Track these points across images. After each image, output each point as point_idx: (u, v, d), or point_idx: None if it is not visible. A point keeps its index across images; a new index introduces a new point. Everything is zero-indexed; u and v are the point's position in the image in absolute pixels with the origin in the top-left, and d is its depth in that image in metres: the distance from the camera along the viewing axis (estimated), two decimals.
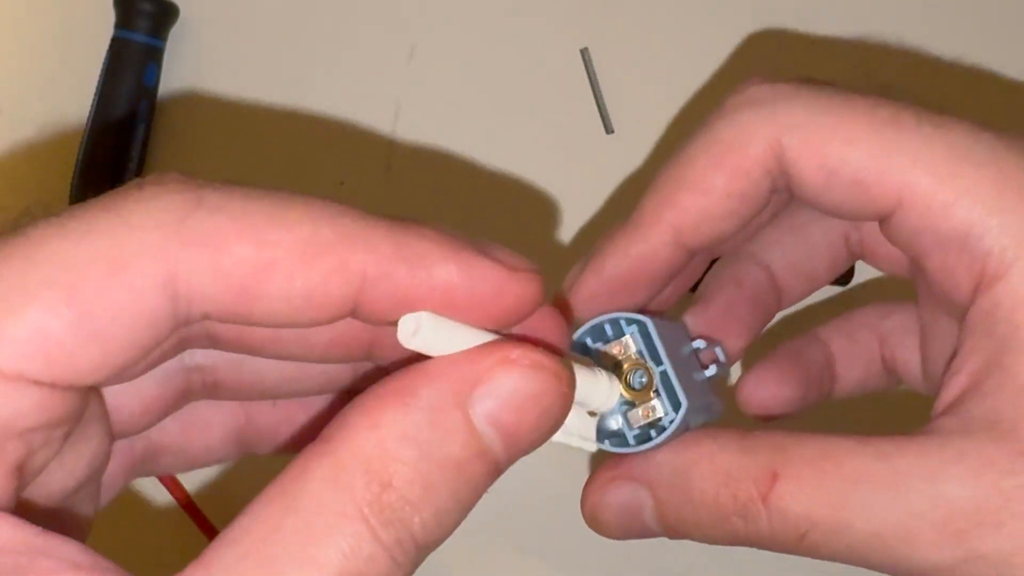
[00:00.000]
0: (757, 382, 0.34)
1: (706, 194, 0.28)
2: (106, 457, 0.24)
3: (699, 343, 0.31)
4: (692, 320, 0.33)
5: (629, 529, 0.29)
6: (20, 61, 0.59)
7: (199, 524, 0.54)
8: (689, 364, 0.30)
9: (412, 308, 0.21)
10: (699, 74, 0.57)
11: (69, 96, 0.57)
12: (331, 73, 0.58)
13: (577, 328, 0.30)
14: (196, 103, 0.58)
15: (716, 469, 0.27)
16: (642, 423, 0.29)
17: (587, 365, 0.28)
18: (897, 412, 0.41)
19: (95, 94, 0.56)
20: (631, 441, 0.29)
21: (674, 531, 0.28)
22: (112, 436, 0.24)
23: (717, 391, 0.32)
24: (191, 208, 0.20)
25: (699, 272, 0.33)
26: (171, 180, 0.21)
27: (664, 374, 0.29)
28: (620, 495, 0.29)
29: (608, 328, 0.29)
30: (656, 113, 0.57)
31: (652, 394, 0.29)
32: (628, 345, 0.29)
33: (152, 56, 0.56)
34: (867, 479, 0.25)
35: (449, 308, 0.22)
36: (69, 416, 0.21)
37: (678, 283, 0.31)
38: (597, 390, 0.28)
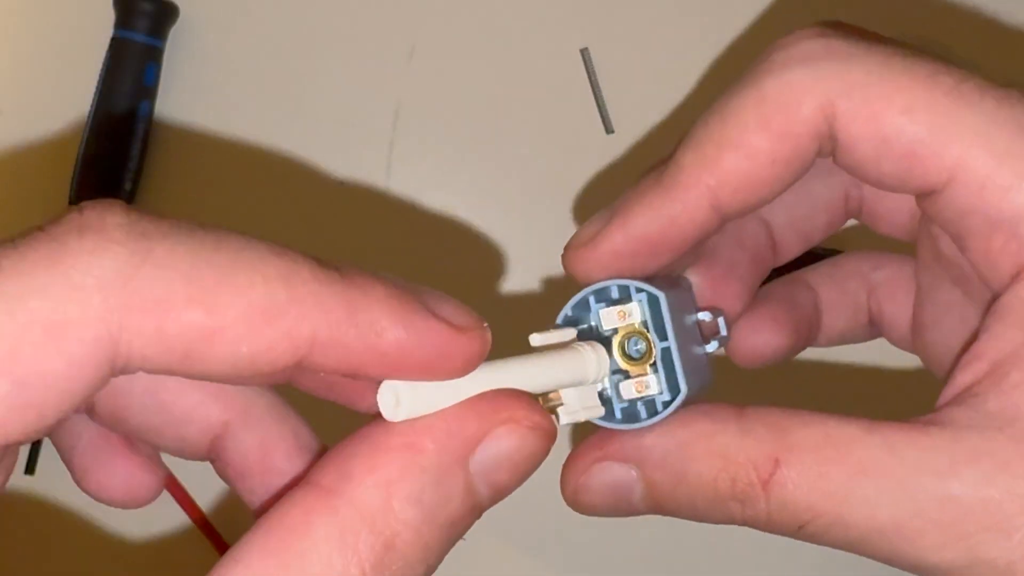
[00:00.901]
0: (751, 329, 0.32)
1: (750, 158, 0.26)
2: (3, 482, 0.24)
3: (704, 315, 0.30)
4: (694, 278, 0.31)
5: (615, 509, 0.27)
6: (20, 61, 0.59)
7: (214, 543, 0.54)
8: (691, 337, 0.29)
9: (357, 370, 0.21)
10: (699, 74, 0.57)
11: (69, 96, 0.57)
12: (331, 73, 0.58)
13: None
14: (195, 103, 0.58)
15: (713, 451, 0.26)
16: (633, 397, 0.27)
17: (571, 347, 0.27)
18: (894, 384, 0.41)
19: (95, 94, 0.56)
20: (618, 415, 0.27)
21: (664, 511, 0.27)
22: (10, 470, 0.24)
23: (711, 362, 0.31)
24: (137, 265, 0.19)
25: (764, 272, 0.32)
26: (114, 226, 0.19)
27: (667, 352, 0.27)
28: (607, 476, 0.27)
29: (615, 290, 0.27)
30: (656, 113, 0.57)
31: (648, 368, 0.27)
32: (633, 312, 0.27)
33: (152, 56, 0.56)
34: (873, 471, 0.24)
35: (394, 371, 0.21)
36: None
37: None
38: (587, 370, 0.26)
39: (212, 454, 0.26)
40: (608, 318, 0.27)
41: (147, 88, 0.56)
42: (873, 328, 0.34)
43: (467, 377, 0.22)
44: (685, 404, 0.27)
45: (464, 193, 0.58)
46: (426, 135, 0.58)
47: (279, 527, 0.20)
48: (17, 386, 0.18)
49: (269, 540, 0.20)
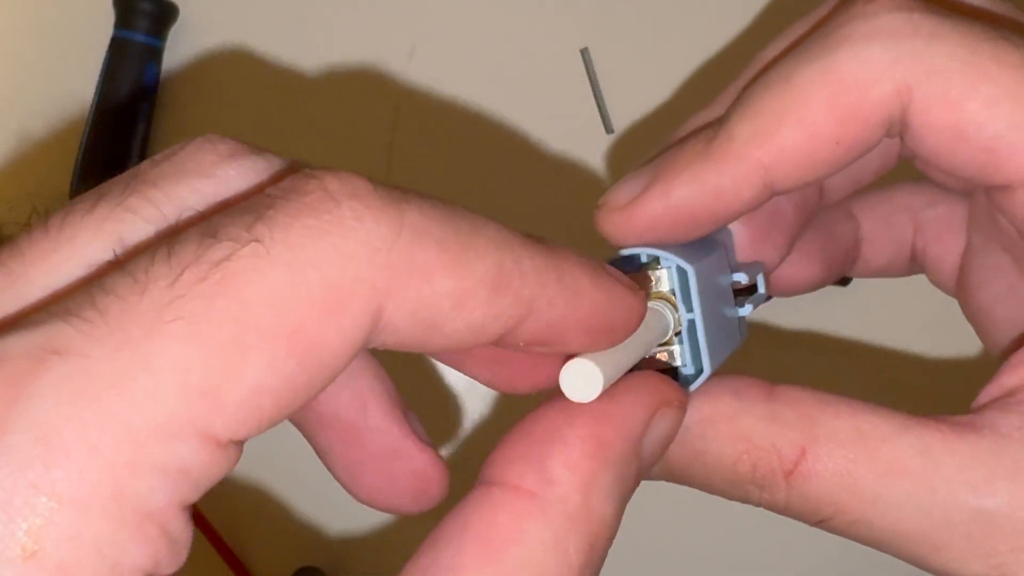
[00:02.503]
0: (788, 262, 0.30)
1: (812, 137, 0.24)
2: None
3: (740, 276, 0.28)
4: (734, 227, 0.29)
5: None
6: (20, 61, 0.59)
7: (209, 537, 0.54)
8: (723, 300, 0.27)
9: (558, 338, 0.21)
10: (700, 74, 0.57)
11: (69, 96, 0.57)
12: (331, 73, 0.58)
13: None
14: (195, 103, 0.58)
15: (737, 433, 0.24)
16: (656, 367, 0.26)
17: (661, 310, 0.25)
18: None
19: (95, 94, 0.56)
20: None
21: (677, 482, 0.26)
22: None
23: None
24: (397, 231, 0.18)
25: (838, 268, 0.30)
26: (367, 191, 0.18)
27: (691, 325, 0.25)
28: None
29: (643, 256, 0.26)
30: (656, 113, 0.57)
31: (674, 336, 0.26)
32: (661, 280, 0.26)
33: (152, 56, 0.56)
34: (903, 474, 0.23)
35: (589, 336, 0.21)
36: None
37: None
38: (669, 326, 0.25)
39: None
40: (635, 282, 0.26)
41: (147, 88, 0.56)
42: (914, 264, 0.32)
43: (620, 347, 0.22)
44: (719, 367, 0.26)
45: (464, 193, 0.58)
46: (426, 135, 0.58)
47: (492, 536, 0.19)
48: (302, 365, 0.17)
49: (483, 549, 0.19)
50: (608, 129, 0.57)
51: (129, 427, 0.15)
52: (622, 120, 0.57)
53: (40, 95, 0.58)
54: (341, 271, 0.17)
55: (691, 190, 0.25)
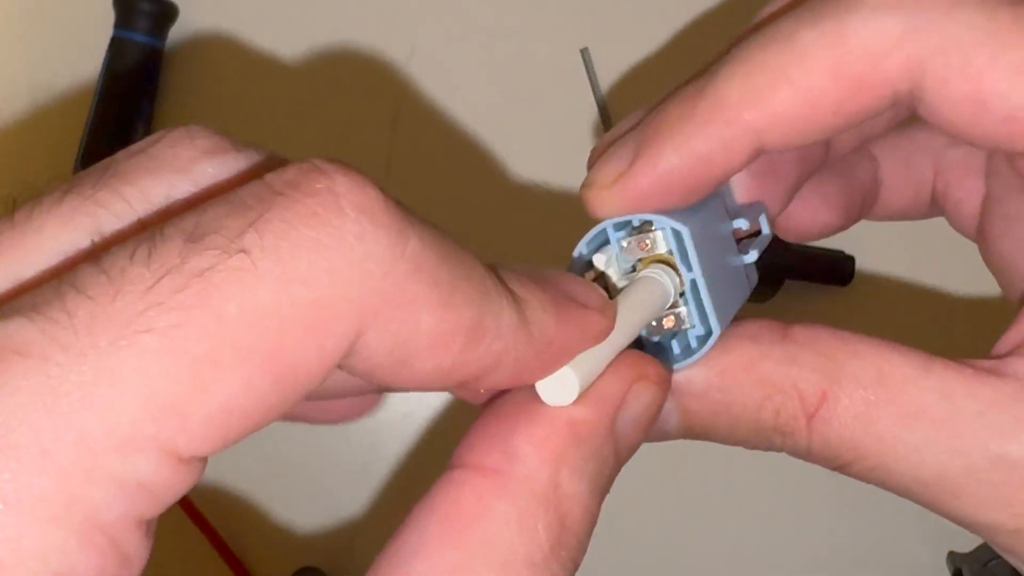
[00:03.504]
0: (803, 206, 0.29)
1: (810, 103, 0.23)
2: None
3: (740, 222, 0.26)
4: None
5: (647, 435, 0.26)
6: (20, 61, 0.59)
7: (204, 532, 0.54)
8: (726, 249, 0.26)
9: (523, 383, 0.20)
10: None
11: (69, 96, 0.57)
12: (331, 73, 0.58)
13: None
14: (195, 103, 0.58)
15: (758, 380, 0.23)
16: (664, 330, 0.24)
17: (644, 278, 0.24)
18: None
19: (95, 94, 0.56)
20: (649, 351, 0.25)
21: (699, 438, 0.25)
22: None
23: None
24: (396, 257, 0.17)
25: None
26: (379, 208, 0.17)
27: (694, 284, 0.24)
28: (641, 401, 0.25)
29: (635, 220, 0.25)
30: None
31: (679, 298, 0.24)
32: (657, 242, 0.24)
33: (152, 56, 0.56)
34: (925, 417, 0.22)
35: (555, 368, 0.20)
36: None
37: None
38: (668, 294, 0.24)
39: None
40: (631, 248, 0.25)
41: (147, 88, 0.56)
42: (934, 207, 0.31)
43: (599, 345, 0.22)
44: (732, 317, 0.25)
45: (464, 193, 0.58)
46: (426, 135, 0.58)
47: (455, 515, 0.18)
48: (276, 385, 0.16)
49: (446, 529, 0.18)
50: (608, 129, 0.57)
51: (86, 436, 0.15)
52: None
53: (40, 95, 0.58)
54: (331, 291, 0.16)
55: (678, 157, 0.24)
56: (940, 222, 0.31)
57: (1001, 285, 0.29)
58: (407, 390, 0.19)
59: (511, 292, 0.19)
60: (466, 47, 0.58)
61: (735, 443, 0.25)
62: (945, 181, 0.30)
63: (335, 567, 0.56)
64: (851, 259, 0.58)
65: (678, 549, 0.58)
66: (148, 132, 0.56)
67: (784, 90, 0.23)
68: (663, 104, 0.25)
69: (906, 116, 0.28)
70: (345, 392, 0.24)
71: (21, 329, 0.15)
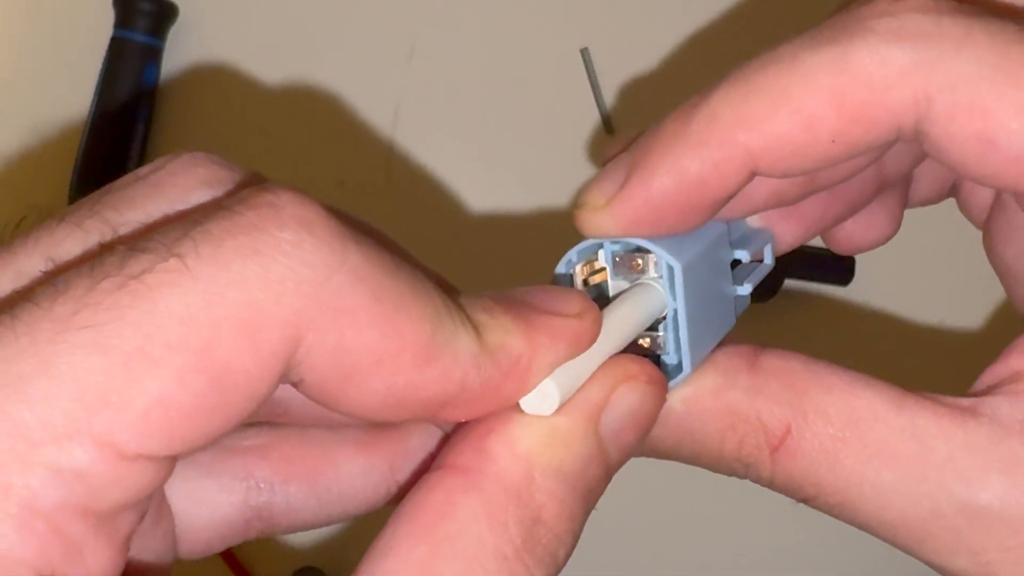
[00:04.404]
0: (867, 224, 0.28)
1: (808, 129, 0.22)
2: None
3: (741, 253, 0.26)
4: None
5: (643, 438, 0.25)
6: (20, 61, 0.59)
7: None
8: (720, 278, 0.25)
9: (500, 408, 0.20)
10: (700, 74, 0.57)
11: (68, 96, 0.57)
12: (331, 73, 0.58)
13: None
14: (195, 103, 0.58)
15: (722, 409, 0.23)
16: (641, 351, 0.24)
17: (639, 285, 0.24)
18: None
19: (94, 94, 0.56)
20: None
21: (663, 458, 0.25)
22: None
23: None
24: (333, 268, 0.17)
25: None
26: (317, 221, 0.17)
27: (676, 316, 0.24)
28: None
29: (632, 244, 0.24)
30: (656, 113, 0.57)
31: (662, 320, 0.24)
32: (649, 265, 0.24)
33: (152, 56, 0.56)
34: (893, 458, 0.22)
35: (531, 387, 0.20)
36: (168, 476, 0.18)
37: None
38: (663, 303, 0.24)
39: None
40: (623, 264, 0.24)
41: (147, 88, 0.56)
42: (950, 195, 0.30)
43: (583, 355, 0.22)
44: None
45: (464, 194, 0.58)
46: (426, 135, 0.58)
47: (423, 512, 0.19)
48: (213, 384, 0.16)
49: (415, 527, 0.19)
50: (608, 129, 0.57)
51: (20, 424, 0.15)
52: (622, 120, 0.57)
53: (40, 95, 0.58)
54: (263, 294, 0.17)
55: (671, 180, 0.23)
56: (940, 222, 0.31)
57: (1006, 290, 0.29)
58: (374, 418, 0.19)
59: (470, 318, 0.19)
60: (466, 48, 0.58)
61: (699, 466, 0.24)
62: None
63: (335, 567, 0.56)
64: (851, 259, 0.58)
65: (678, 549, 0.58)
66: (148, 132, 0.57)
67: (781, 113, 0.22)
68: (658, 123, 0.25)
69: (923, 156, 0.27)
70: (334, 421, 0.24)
71: None
